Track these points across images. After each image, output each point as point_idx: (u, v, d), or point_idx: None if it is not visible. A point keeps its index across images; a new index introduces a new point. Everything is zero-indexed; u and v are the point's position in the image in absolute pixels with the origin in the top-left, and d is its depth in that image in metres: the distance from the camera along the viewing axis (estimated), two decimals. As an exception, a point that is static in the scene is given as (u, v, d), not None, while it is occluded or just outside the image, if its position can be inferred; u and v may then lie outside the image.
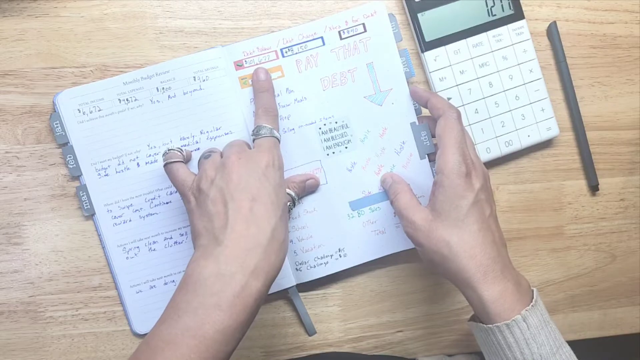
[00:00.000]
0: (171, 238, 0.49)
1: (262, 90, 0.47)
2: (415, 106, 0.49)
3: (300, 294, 0.51)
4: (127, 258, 0.49)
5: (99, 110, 0.47)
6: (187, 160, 0.47)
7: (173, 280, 0.49)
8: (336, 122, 0.49)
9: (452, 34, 0.50)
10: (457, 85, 0.51)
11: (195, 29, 0.49)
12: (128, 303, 0.49)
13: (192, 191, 0.42)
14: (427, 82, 0.52)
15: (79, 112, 0.47)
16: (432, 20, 0.50)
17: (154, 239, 0.49)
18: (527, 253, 0.54)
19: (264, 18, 0.50)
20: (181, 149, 0.46)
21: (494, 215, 0.43)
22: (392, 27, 0.48)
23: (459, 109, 0.45)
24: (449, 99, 0.51)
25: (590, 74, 0.54)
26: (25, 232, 0.49)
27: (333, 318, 0.52)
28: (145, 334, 0.44)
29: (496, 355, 0.41)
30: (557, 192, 0.54)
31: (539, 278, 0.54)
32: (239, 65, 0.48)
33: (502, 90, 0.51)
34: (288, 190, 0.46)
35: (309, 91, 0.48)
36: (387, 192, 0.48)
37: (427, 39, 0.50)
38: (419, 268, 0.53)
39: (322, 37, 0.48)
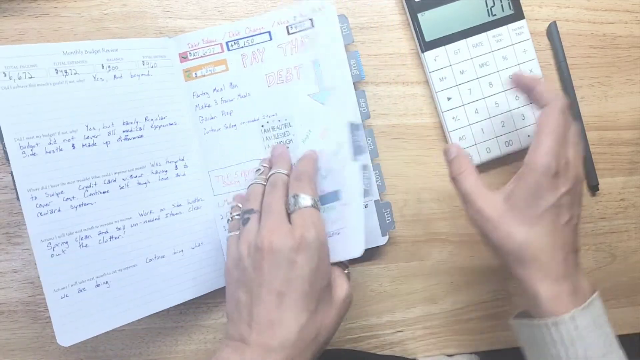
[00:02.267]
0: (107, 232, 0.43)
1: (303, 158, 0.46)
2: (362, 109, 0.48)
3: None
4: (52, 255, 0.42)
5: (30, 78, 0.41)
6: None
7: (106, 282, 0.43)
8: (279, 121, 0.47)
9: (452, 34, 0.50)
10: (457, 85, 0.51)
11: (196, 29, 0.49)
12: (52, 310, 0.42)
13: (229, 265, 0.41)
14: (427, 82, 0.52)
15: (5, 75, 0.41)
16: (432, 20, 0.50)
17: (87, 233, 0.43)
18: (527, 253, 0.54)
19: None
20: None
21: (573, 222, 0.41)
22: (343, 29, 0.48)
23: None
24: (448, 99, 0.50)
25: (590, 74, 0.54)
26: (25, 232, 0.49)
27: (333, 318, 0.52)
28: (72, 346, 0.42)
29: (539, 352, 0.40)
30: (557, 192, 0.54)
31: (539, 278, 0.54)
32: (183, 57, 0.47)
33: (502, 90, 0.51)
34: (336, 264, 0.43)
35: (253, 87, 0.47)
36: (449, 166, 0.43)
37: (427, 39, 0.50)
38: (419, 268, 0.52)
39: (269, 32, 0.47)
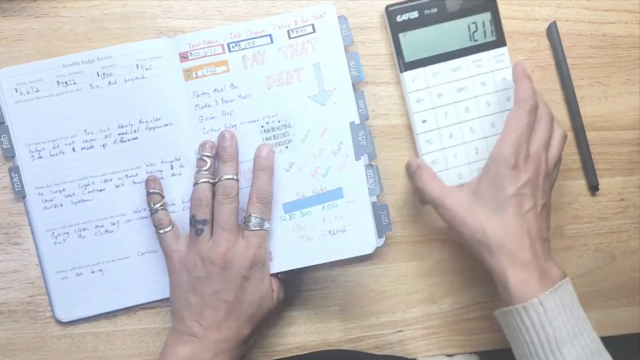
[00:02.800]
0: (102, 226, 0.48)
1: (259, 169, 0.46)
2: (361, 111, 0.48)
3: (299, 293, 0.51)
4: (55, 243, 0.48)
5: (37, 92, 0.47)
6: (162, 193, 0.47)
7: (101, 270, 0.48)
8: (279, 121, 0.48)
9: (433, 56, 0.50)
10: (433, 108, 0.50)
11: (195, 29, 0.49)
12: (52, 289, 0.48)
13: (177, 267, 0.45)
14: (404, 102, 0.51)
15: (16, 91, 0.47)
16: (413, 41, 0.49)
17: (85, 226, 0.48)
18: (527, 253, 0.54)
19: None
20: (162, 195, 0.47)
21: (537, 210, 0.43)
22: (343, 30, 0.48)
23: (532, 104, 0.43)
24: (423, 121, 0.50)
25: (590, 74, 0.54)
26: (25, 232, 0.49)
27: (333, 318, 0.52)
28: (68, 322, 0.49)
29: (516, 339, 0.42)
30: (557, 192, 0.54)
31: (539, 278, 0.54)
32: (184, 57, 0.47)
33: (478, 117, 0.50)
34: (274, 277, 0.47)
35: (254, 88, 0.48)
36: (413, 177, 0.48)
37: (407, 60, 0.50)
38: (419, 268, 0.53)
39: (270, 35, 0.48)
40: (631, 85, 0.54)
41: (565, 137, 0.47)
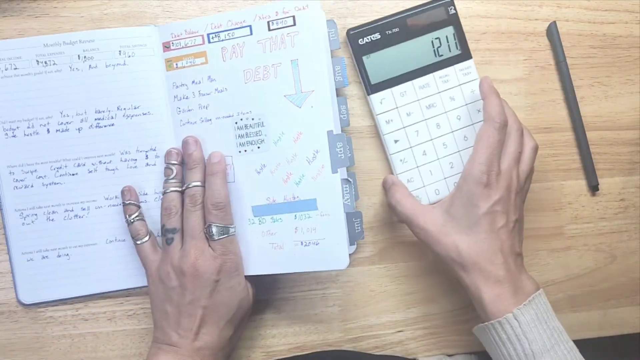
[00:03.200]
0: (72, 210, 0.48)
1: (210, 174, 0.45)
2: (342, 116, 0.47)
3: (299, 293, 0.51)
4: (23, 224, 0.47)
5: (15, 69, 0.46)
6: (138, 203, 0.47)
7: (67, 254, 0.48)
8: (252, 119, 0.46)
9: (398, 75, 0.49)
10: (404, 127, 0.50)
11: (195, 29, 0.49)
12: (17, 270, 0.48)
13: (153, 277, 0.45)
14: (374, 125, 0.51)
15: None
16: (378, 63, 0.49)
17: (54, 209, 0.47)
18: (527, 253, 0.54)
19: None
20: (138, 205, 0.47)
21: (509, 227, 0.43)
22: (331, 34, 0.47)
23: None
24: (395, 141, 0.50)
25: (590, 74, 0.54)
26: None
27: (333, 318, 0.52)
28: (31, 304, 0.48)
29: (495, 353, 0.43)
30: (557, 192, 0.54)
31: (539, 278, 0.54)
32: (166, 46, 0.47)
33: (450, 131, 0.50)
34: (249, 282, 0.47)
35: (231, 82, 0.47)
36: (386, 194, 0.49)
37: (372, 82, 0.49)
38: (419, 268, 0.53)
39: (250, 26, 0.46)
40: (631, 85, 0.54)
41: (536, 149, 0.46)
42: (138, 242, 0.46)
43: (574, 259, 0.55)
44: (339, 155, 0.45)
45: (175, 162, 0.46)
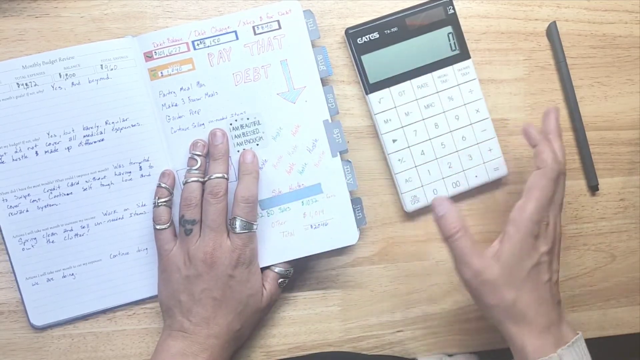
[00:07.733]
0: (71, 230, 0.47)
1: (245, 173, 0.46)
2: (330, 105, 0.48)
3: (299, 293, 0.51)
4: (23, 249, 0.47)
5: None
6: (172, 189, 0.47)
7: (72, 274, 0.48)
8: (247, 119, 0.48)
9: (397, 75, 0.50)
10: (402, 127, 0.50)
11: (195, 29, 0.49)
12: (24, 295, 0.47)
13: (167, 265, 0.45)
14: (373, 125, 0.51)
15: None
16: (377, 62, 0.49)
17: (53, 231, 0.47)
18: (527, 253, 0.54)
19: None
20: (171, 192, 0.47)
21: (554, 278, 0.44)
22: (309, 25, 0.48)
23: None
24: (394, 141, 0.50)
25: (590, 74, 0.54)
26: None
27: (333, 318, 0.52)
28: (44, 327, 0.48)
29: None
30: (557, 192, 0.54)
31: (539, 278, 0.54)
32: (148, 56, 0.47)
33: (448, 131, 0.50)
34: (275, 270, 0.48)
35: (221, 86, 0.47)
36: (439, 224, 0.44)
37: (371, 81, 0.50)
38: (419, 268, 0.53)
39: (235, 32, 0.47)
40: (631, 85, 0.55)
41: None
42: (158, 227, 0.46)
43: (573, 258, 0.55)
44: (337, 141, 0.48)
45: (199, 154, 0.46)
